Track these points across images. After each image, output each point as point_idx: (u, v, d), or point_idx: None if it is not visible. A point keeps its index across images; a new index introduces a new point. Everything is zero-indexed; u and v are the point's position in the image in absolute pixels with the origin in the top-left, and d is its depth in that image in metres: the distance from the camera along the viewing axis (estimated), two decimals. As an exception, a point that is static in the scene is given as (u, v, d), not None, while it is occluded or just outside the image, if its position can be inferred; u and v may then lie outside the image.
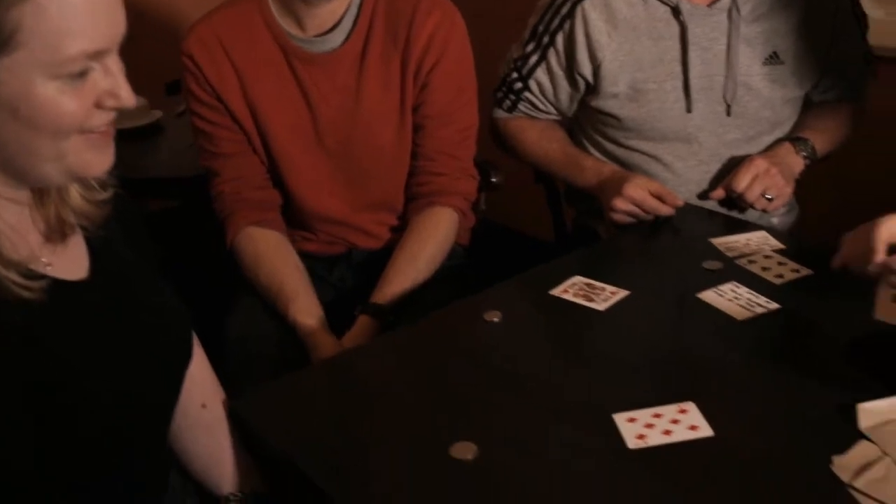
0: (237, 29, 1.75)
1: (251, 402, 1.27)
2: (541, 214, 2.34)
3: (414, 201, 1.88)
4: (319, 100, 1.77)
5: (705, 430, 1.14)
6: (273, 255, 1.80)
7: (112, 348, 1.06)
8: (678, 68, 1.84)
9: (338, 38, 1.76)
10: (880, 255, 1.23)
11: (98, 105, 0.96)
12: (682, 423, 1.15)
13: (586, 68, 1.86)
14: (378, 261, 1.90)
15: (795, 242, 1.68)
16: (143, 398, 1.09)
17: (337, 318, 1.73)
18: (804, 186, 2.22)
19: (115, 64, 0.96)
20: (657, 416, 1.16)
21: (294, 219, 1.89)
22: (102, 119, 0.97)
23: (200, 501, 1.27)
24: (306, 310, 1.72)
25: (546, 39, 1.89)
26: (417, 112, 1.82)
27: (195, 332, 1.25)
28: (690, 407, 1.18)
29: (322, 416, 1.22)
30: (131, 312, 1.10)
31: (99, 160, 1.00)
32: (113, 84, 0.96)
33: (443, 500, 1.04)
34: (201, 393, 1.26)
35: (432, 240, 1.82)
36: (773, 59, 1.86)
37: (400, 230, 1.91)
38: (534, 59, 1.92)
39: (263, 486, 1.26)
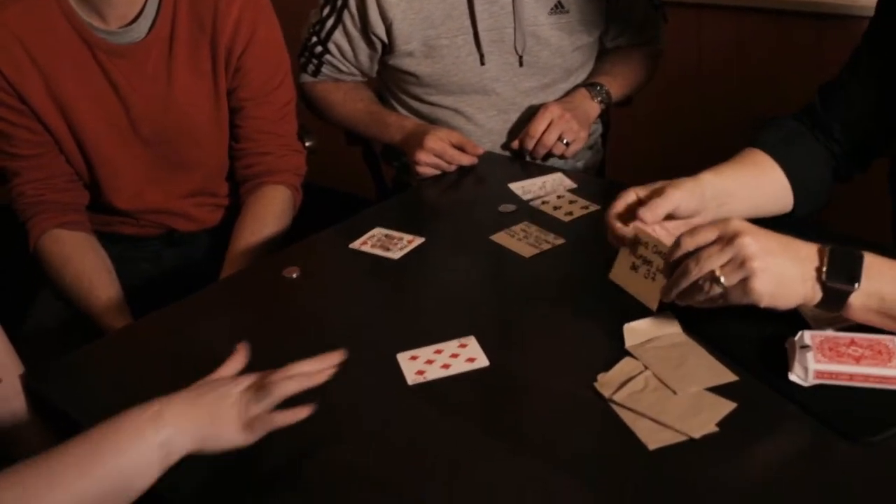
0: (34, 23, 1.65)
1: (48, 373, 1.27)
2: (363, 174, 2.37)
3: (245, 183, 1.86)
4: (130, 91, 1.71)
5: (482, 361, 1.20)
6: (81, 259, 1.74)
7: None
8: (467, 23, 1.88)
9: (142, 27, 1.70)
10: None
11: None
12: (461, 356, 1.21)
13: (379, 28, 1.89)
14: (198, 239, 1.92)
15: (588, 182, 1.75)
16: None
17: (158, 297, 1.67)
18: (611, 128, 2.31)
19: None
20: (438, 351, 1.22)
21: (111, 208, 1.83)
22: None
23: (1, 477, 1.27)
24: (119, 316, 1.68)
25: (340, 2, 1.91)
26: (233, 95, 1.79)
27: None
28: (470, 341, 1.24)
29: (119, 383, 1.23)
30: None
31: None
32: None
33: (227, 453, 1.08)
34: None
35: (271, 216, 1.80)
36: (557, 8, 1.91)
37: (221, 209, 1.92)
38: (330, 22, 1.93)
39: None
